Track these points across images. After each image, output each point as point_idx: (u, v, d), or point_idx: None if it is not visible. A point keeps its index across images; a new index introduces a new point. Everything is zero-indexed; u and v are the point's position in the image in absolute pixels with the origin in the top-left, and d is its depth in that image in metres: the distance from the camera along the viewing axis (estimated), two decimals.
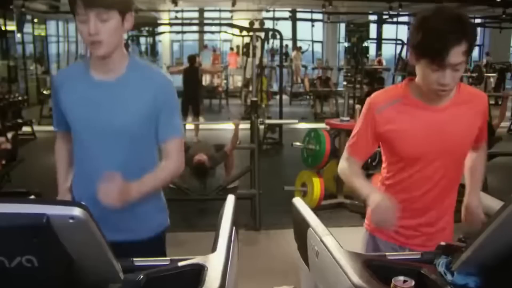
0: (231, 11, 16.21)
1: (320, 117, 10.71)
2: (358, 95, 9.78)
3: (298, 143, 5.42)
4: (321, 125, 5.73)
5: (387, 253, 1.59)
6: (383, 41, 19.30)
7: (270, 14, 18.17)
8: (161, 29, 15.73)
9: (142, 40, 18.62)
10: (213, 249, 1.51)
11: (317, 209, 4.57)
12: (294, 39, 19.04)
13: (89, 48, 1.62)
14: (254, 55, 6.21)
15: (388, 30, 20.00)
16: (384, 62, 15.86)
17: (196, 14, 18.50)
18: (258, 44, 7.41)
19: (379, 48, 19.55)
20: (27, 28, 13.63)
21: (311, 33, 19.14)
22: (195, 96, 8.55)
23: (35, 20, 14.34)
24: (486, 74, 14.22)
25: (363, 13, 17.05)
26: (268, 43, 12.89)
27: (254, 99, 5.81)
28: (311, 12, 18.67)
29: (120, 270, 1.23)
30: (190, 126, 8.26)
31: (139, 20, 6.21)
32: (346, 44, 19.51)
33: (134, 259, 1.43)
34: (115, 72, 1.69)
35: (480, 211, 1.82)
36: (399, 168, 1.80)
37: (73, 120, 1.72)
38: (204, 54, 15.73)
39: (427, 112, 1.71)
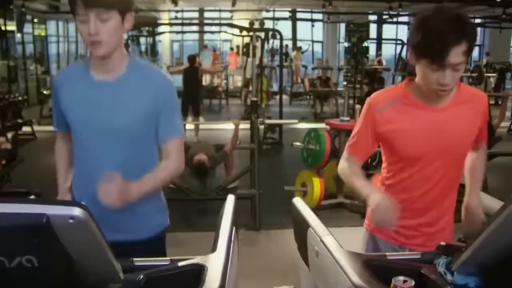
0: (231, 11, 16.21)
1: (320, 117, 10.70)
2: (358, 95, 9.78)
3: (298, 143, 5.41)
4: (321, 125, 5.73)
5: (387, 253, 1.59)
6: (383, 41, 19.31)
7: (270, 14, 18.18)
8: (161, 29, 15.73)
9: (142, 40, 18.62)
10: (213, 249, 1.51)
11: (317, 209, 4.57)
12: (294, 39, 19.04)
13: (89, 48, 1.62)
14: (254, 55, 6.21)
15: (388, 30, 20.04)
16: (384, 62, 15.86)
17: (196, 14, 18.50)
18: (258, 44, 7.41)
19: (379, 48, 19.55)
20: (27, 28, 13.63)
21: (311, 33, 19.18)
22: (195, 96, 8.54)
23: (35, 20, 14.34)
24: (486, 74, 14.21)
25: (363, 13, 17.05)
26: (268, 43, 12.88)
27: (254, 99, 5.80)
28: (311, 12, 18.67)
29: (120, 270, 1.23)
30: (190, 126, 8.26)
31: (139, 20, 6.22)
32: (346, 44, 19.51)
33: (134, 259, 1.43)
34: (115, 72, 1.69)
35: (480, 211, 1.82)
36: (399, 168, 1.80)
37: (73, 120, 1.73)
38: (204, 54, 15.74)
39: (427, 112, 1.71)
